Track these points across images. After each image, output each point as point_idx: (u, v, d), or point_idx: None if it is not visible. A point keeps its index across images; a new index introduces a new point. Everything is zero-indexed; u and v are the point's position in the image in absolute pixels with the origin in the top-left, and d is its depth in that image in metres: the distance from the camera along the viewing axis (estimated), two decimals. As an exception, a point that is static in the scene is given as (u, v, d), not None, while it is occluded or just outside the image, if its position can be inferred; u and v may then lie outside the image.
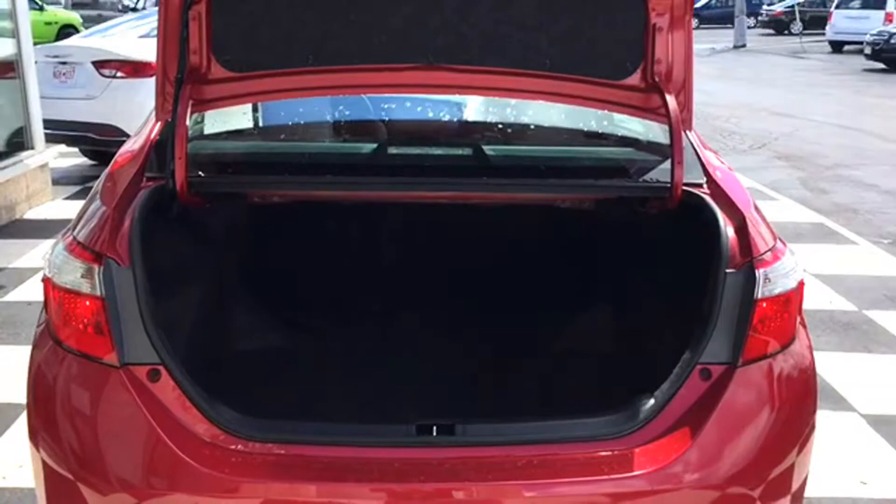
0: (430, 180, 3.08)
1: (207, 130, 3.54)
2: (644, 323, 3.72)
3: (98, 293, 2.68)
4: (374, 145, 3.33)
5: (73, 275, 2.75)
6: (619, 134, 3.87)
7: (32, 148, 9.00)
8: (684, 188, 3.07)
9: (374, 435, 2.72)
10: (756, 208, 3.04)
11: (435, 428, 2.73)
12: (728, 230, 2.89)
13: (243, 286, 4.04)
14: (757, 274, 2.77)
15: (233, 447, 2.65)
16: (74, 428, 2.68)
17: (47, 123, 9.21)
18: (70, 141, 10.08)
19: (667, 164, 3.35)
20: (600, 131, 3.89)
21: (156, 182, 3.03)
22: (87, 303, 2.69)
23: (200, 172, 3.10)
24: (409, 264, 4.27)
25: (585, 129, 3.88)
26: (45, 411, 2.74)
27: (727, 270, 2.81)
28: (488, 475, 2.61)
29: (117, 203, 2.87)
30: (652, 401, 2.82)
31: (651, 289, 3.73)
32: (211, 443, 2.65)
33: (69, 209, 8.10)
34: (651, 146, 3.65)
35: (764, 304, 2.78)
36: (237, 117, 3.53)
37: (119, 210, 2.85)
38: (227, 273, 3.84)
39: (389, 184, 3.07)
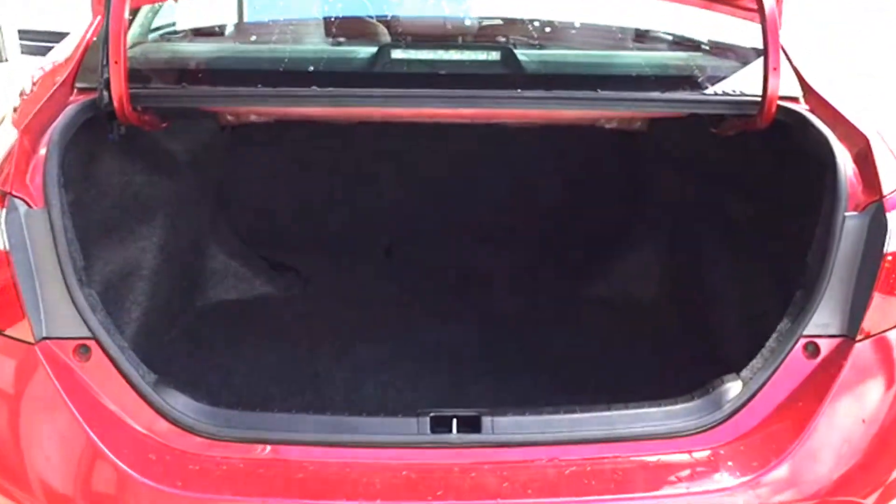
0: (445, 94, 2.35)
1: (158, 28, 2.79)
2: (713, 279, 3.03)
3: (2, 244, 2.00)
4: (374, 48, 2.59)
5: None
6: (679, 36, 3.11)
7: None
8: (779, 103, 2.35)
9: (376, 432, 2.06)
10: (880, 134, 2.31)
11: (455, 421, 2.07)
12: (845, 159, 2.17)
13: (216, 226, 3.35)
14: (887, 218, 2.07)
15: (189, 450, 2.00)
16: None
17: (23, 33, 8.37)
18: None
19: (748, 72, 2.63)
20: (655, 33, 3.13)
21: (88, 95, 2.31)
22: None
23: (147, 83, 2.38)
24: (417, 200, 3.57)
25: (637, 29, 3.12)
26: None
27: (845, 213, 2.11)
28: (528, 488, 1.96)
29: (29, 124, 2.16)
30: (739, 383, 2.16)
31: (723, 235, 3.03)
32: (160, 443, 2.00)
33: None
34: (722, 50, 2.90)
35: (892, 259, 2.08)
36: (199, 13, 2.76)
37: (32, 133, 2.15)
38: (194, 211, 3.15)
39: (393, 97, 2.34)
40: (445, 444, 2.04)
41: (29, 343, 2.01)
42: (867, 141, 2.18)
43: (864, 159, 2.16)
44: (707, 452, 2.04)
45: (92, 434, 1.95)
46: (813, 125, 2.28)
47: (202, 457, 1.99)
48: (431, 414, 2.07)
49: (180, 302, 3.11)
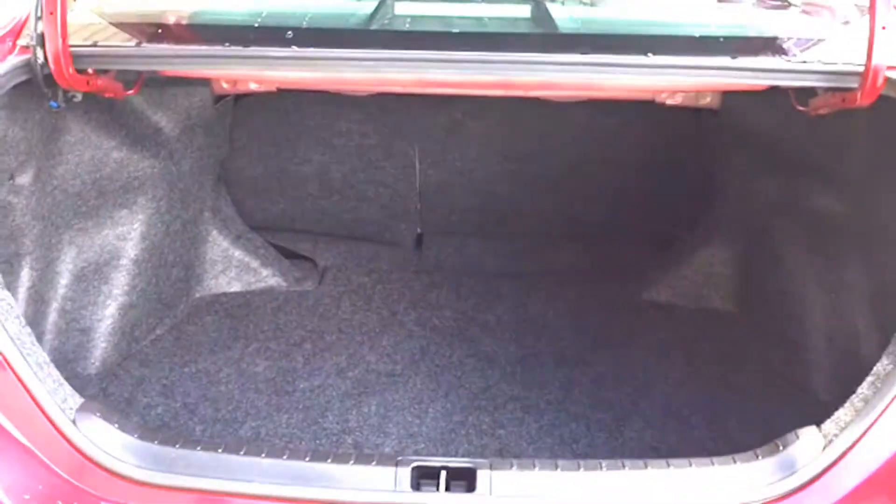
0: (453, 57, 1.88)
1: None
2: (794, 287, 2.51)
3: None
4: (373, 2, 2.12)
5: None
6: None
7: None
8: (888, 74, 1.81)
9: (342, 484, 1.62)
10: None
11: (444, 475, 1.62)
12: None
13: (217, 209, 2.96)
14: None
15: (109, 498, 1.61)
16: None
17: None
18: None
19: (846, 34, 2.08)
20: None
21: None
22: None
23: (95, 39, 1.99)
24: (453, 185, 3.11)
25: None
26: None
27: None
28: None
29: None
30: (820, 440, 1.66)
31: (808, 236, 2.50)
32: (72, 488, 1.61)
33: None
34: (813, 6, 2.35)
35: None
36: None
37: None
38: (189, 192, 2.76)
39: (388, 61, 1.88)
40: None
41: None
42: None
43: None
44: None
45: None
46: None
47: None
48: (415, 464, 1.63)
49: (171, 295, 2.74)
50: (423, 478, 1.62)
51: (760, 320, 2.69)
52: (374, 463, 1.63)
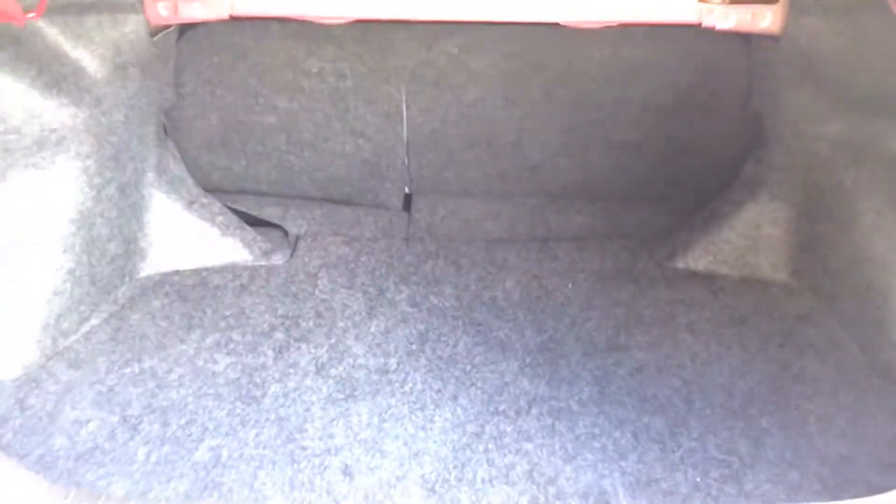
0: None
1: None
2: (876, 252, 2.05)
3: None
4: None
5: None
6: None
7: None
8: None
9: None
10: None
11: None
12: None
13: (163, 168, 2.43)
14: None
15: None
16: None
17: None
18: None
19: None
20: None
21: None
22: None
23: None
24: (447, 134, 2.60)
25: None
26: None
27: None
28: None
29: None
30: None
31: (884, 183, 2.04)
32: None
33: None
34: None
35: None
36: None
37: None
38: (125, 147, 2.23)
39: None
40: None
41: None
42: None
43: None
44: None
45: None
46: None
47: None
48: None
49: (108, 277, 2.23)
50: None
51: (827, 293, 2.24)
52: None
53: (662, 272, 2.44)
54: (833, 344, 2.13)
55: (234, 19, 2.28)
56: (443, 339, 2.14)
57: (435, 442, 1.78)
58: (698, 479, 1.69)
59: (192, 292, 2.32)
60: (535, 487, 1.67)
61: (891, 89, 2.02)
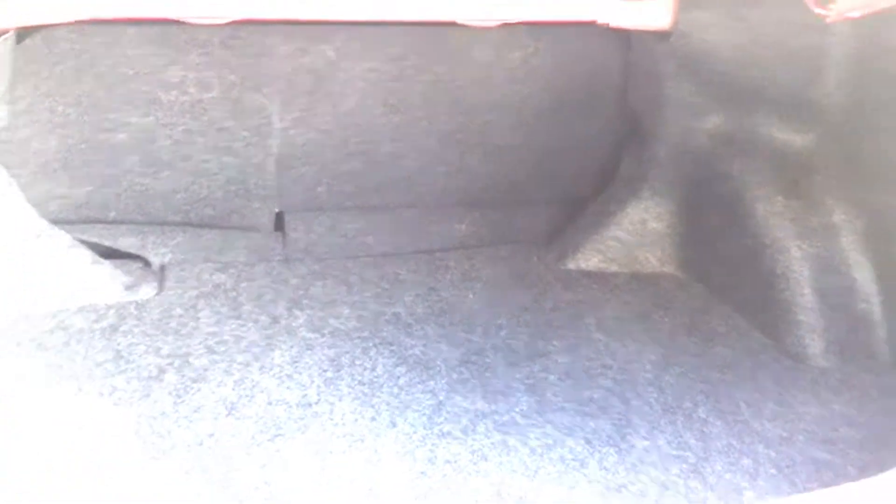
0: None
1: None
2: (762, 232, 2.14)
3: None
4: None
5: None
6: None
7: None
8: None
9: None
10: None
11: None
12: None
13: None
14: None
15: None
16: None
17: None
18: None
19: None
20: None
21: None
22: None
23: None
24: (320, 144, 2.44)
25: None
26: None
27: None
28: None
29: None
30: None
31: (771, 172, 2.14)
32: None
33: None
34: None
35: None
36: None
37: None
38: None
39: None
40: None
41: None
42: None
43: None
44: None
45: None
46: None
47: None
48: None
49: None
50: None
51: (719, 282, 2.30)
52: None
53: (556, 274, 2.42)
54: (735, 331, 2.18)
55: (81, 23, 2.01)
56: (357, 362, 1.97)
57: (387, 474, 1.62)
58: (663, 478, 1.65)
59: (50, 339, 2.00)
60: None
61: (774, 81, 2.11)
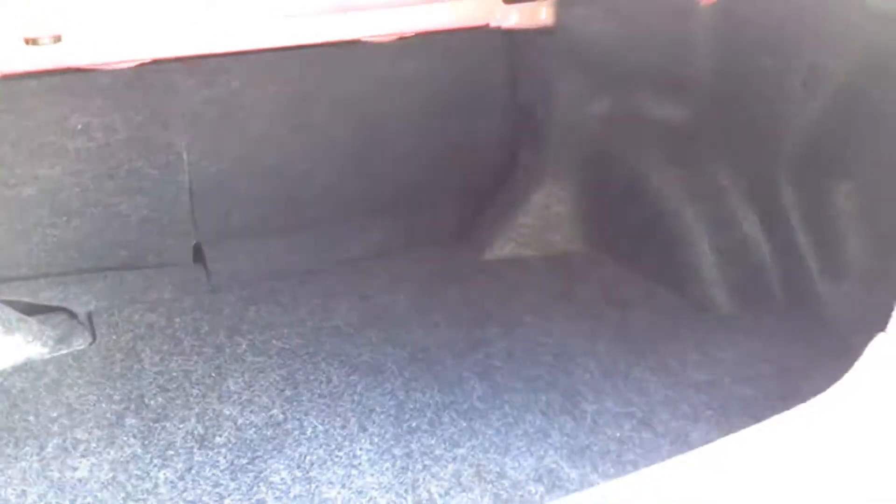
0: None
1: None
2: (660, 201, 2.35)
3: None
4: None
5: None
6: None
7: None
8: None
9: None
10: None
11: None
12: None
13: None
14: None
15: None
16: None
17: None
18: None
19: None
20: None
21: None
22: None
23: None
24: (232, 171, 2.48)
25: None
26: None
27: None
28: None
29: None
30: None
31: (660, 145, 2.34)
32: None
33: None
34: None
35: None
36: None
37: None
38: None
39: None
40: None
41: None
42: None
43: None
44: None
45: None
46: None
47: None
48: None
49: None
50: None
51: (626, 253, 2.50)
52: None
53: (476, 266, 2.55)
54: (648, 295, 2.38)
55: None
56: (312, 377, 2.04)
57: (372, 475, 1.71)
58: (618, 434, 1.81)
59: None
60: (490, 486, 1.67)
61: (651, 64, 2.31)
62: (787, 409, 1.51)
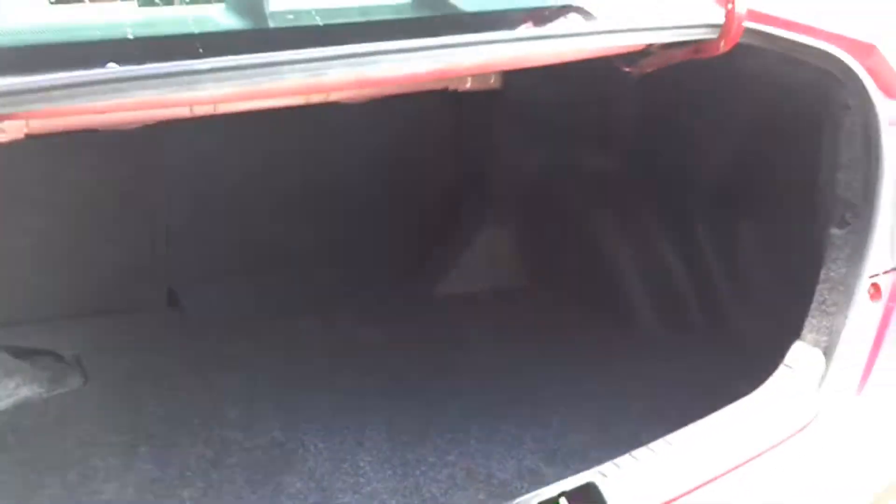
0: (394, 47, 1.60)
1: None
2: (595, 240, 2.70)
3: None
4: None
5: None
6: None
7: None
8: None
9: None
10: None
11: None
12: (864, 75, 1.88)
13: None
14: None
15: None
16: None
17: None
18: None
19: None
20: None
21: None
22: None
23: None
24: (203, 222, 2.68)
25: None
26: None
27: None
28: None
29: None
30: (816, 352, 1.82)
31: (595, 196, 2.70)
32: None
33: None
34: None
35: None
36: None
37: None
38: None
39: (336, 59, 1.53)
40: None
41: None
42: (876, 48, 1.93)
43: (881, 70, 1.90)
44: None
45: None
46: (802, 42, 1.97)
47: None
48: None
49: None
50: None
51: (568, 286, 2.80)
52: None
53: (430, 301, 2.82)
54: (587, 321, 2.68)
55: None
56: (302, 404, 2.26)
57: (378, 481, 1.94)
58: (584, 438, 2.11)
59: (6, 441, 2.11)
60: (482, 485, 1.94)
61: (587, 121, 2.68)
62: (710, 411, 1.83)
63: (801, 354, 1.83)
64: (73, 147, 2.36)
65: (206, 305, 2.71)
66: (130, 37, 1.62)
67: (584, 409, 2.23)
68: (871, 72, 1.87)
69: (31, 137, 2.07)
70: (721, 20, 1.98)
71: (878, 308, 1.83)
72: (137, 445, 2.09)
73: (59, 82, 1.30)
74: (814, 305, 1.87)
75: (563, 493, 1.44)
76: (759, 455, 1.67)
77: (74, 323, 2.55)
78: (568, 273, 2.82)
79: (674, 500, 1.56)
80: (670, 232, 2.64)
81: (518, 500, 1.46)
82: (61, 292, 2.55)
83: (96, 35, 1.67)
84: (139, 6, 1.93)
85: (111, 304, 2.63)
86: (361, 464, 2.01)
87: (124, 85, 1.38)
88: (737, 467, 1.64)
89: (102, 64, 1.37)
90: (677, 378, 2.34)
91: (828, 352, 1.80)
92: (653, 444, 1.67)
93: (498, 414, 2.21)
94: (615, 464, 1.57)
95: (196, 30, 1.76)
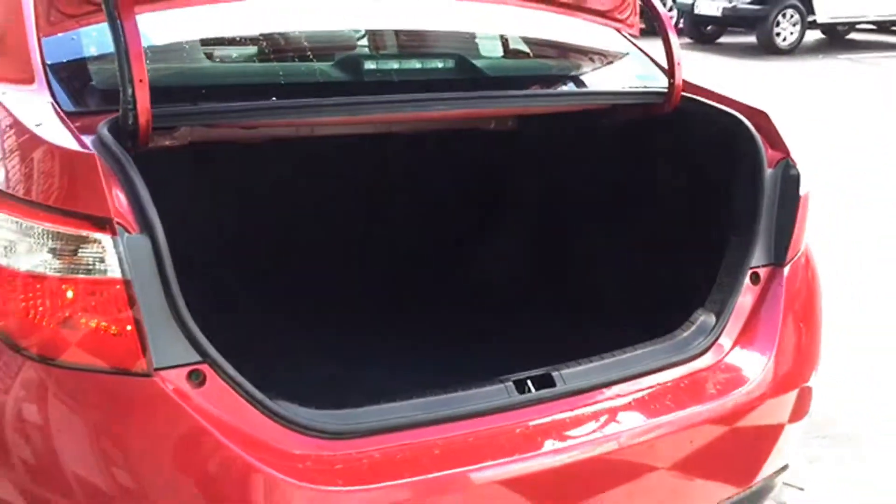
0: (446, 96, 2.57)
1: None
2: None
3: (117, 274, 1.85)
4: (343, 59, 2.69)
5: (43, 254, 1.87)
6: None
7: None
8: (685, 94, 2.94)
9: (475, 401, 2.24)
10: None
11: (529, 381, 2.33)
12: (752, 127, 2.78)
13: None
14: (798, 170, 2.73)
15: (325, 452, 2.03)
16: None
17: None
18: None
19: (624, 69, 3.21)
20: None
21: (99, 117, 2.17)
22: (98, 290, 1.86)
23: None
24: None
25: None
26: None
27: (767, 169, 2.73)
28: (613, 426, 2.31)
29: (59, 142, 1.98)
30: (711, 315, 2.68)
31: (590, 215, 3.57)
32: (300, 453, 2.00)
33: None
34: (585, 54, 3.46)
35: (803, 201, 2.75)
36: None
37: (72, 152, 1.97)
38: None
39: (408, 103, 2.50)
40: (534, 401, 2.28)
41: (146, 376, 1.88)
42: (765, 113, 2.84)
43: (766, 127, 2.80)
44: (722, 366, 2.56)
45: (243, 453, 1.90)
46: (718, 107, 2.88)
47: (342, 456, 2.03)
48: (512, 379, 2.30)
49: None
50: (519, 387, 2.30)
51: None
52: (487, 385, 2.27)
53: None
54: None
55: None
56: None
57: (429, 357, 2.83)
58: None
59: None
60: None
61: (578, 156, 3.59)
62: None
63: (700, 316, 2.69)
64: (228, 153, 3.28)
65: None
66: (283, 82, 2.60)
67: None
68: (760, 129, 2.78)
69: (192, 143, 3.04)
70: (666, 89, 2.91)
71: (756, 289, 2.71)
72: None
73: (252, 106, 2.29)
74: (714, 286, 2.74)
75: (529, 377, 2.32)
76: (668, 367, 2.52)
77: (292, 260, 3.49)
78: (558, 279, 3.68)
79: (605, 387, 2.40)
80: (631, 238, 3.47)
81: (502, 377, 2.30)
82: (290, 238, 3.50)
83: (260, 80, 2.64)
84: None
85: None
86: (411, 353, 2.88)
87: (279, 112, 2.37)
88: (652, 372, 2.49)
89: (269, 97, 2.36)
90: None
91: (719, 315, 2.66)
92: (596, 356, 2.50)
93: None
94: (566, 364, 2.43)
95: (321, 79, 2.73)
